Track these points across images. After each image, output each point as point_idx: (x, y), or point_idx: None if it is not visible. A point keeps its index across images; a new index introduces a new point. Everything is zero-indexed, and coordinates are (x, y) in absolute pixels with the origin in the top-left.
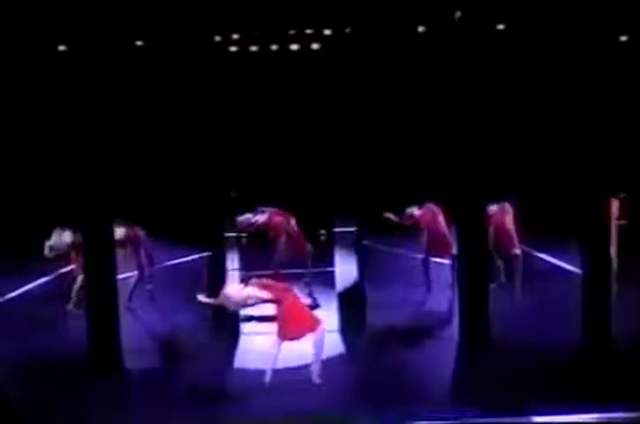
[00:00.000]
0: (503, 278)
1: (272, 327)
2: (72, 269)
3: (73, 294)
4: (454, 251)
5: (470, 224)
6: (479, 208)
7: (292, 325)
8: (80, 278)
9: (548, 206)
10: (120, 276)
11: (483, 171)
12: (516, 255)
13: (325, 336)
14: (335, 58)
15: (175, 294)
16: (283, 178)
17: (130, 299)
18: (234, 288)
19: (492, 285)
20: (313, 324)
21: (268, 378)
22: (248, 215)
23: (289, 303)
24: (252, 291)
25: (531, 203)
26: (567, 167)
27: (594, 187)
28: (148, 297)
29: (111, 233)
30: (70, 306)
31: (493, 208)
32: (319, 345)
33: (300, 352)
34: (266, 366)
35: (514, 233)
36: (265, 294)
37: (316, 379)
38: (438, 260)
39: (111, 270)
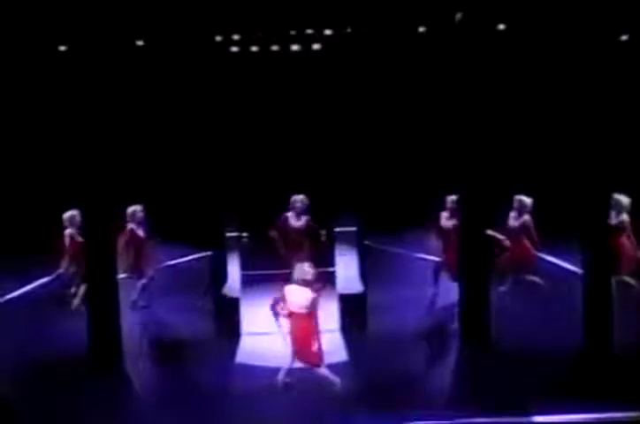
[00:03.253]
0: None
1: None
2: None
3: (75, 292)
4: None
5: (473, 225)
6: (481, 209)
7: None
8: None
9: (549, 205)
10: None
11: (486, 171)
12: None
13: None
14: (336, 58)
15: (176, 294)
16: (283, 178)
17: (138, 298)
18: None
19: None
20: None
21: (281, 377)
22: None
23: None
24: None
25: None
26: (568, 167)
27: (595, 187)
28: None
29: (112, 234)
30: (75, 305)
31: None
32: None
33: None
34: (278, 364)
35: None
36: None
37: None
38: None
39: (112, 269)
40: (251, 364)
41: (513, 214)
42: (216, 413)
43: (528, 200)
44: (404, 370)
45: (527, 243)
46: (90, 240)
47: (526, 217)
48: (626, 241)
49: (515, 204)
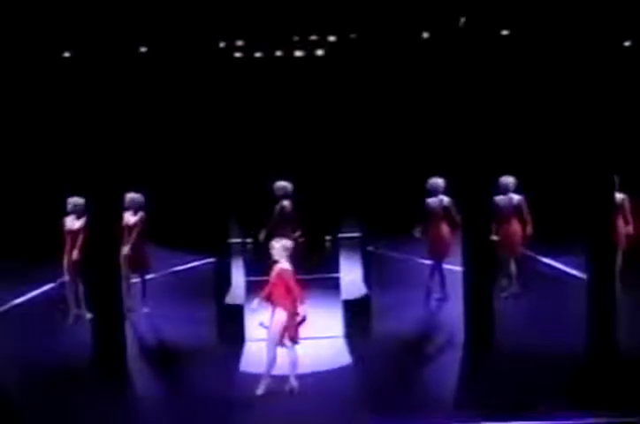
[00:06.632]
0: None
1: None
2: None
3: (81, 297)
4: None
5: (476, 228)
6: (485, 213)
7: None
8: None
9: (553, 210)
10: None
11: (487, 175)
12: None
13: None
14: (339, 64)
15: (179, 300)
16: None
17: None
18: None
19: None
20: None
21: (262, 385)
22: None
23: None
24: None
25: (536, 207)
26: (572, 171)
27: (600, 191)
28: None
29: (116, 237)
30: (82, 311)
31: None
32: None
33: (304, 358)
34: (283, 372)
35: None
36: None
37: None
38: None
39: (115, 273)
40: (255, 371)
41: (500, 197)
42: (219, 420)
43: (511, 180)
44: (408, 374)
45: (517, 224)
46: (93, 253)
47: (517, 196)
48: (620, 219)
49: (501, 185)
